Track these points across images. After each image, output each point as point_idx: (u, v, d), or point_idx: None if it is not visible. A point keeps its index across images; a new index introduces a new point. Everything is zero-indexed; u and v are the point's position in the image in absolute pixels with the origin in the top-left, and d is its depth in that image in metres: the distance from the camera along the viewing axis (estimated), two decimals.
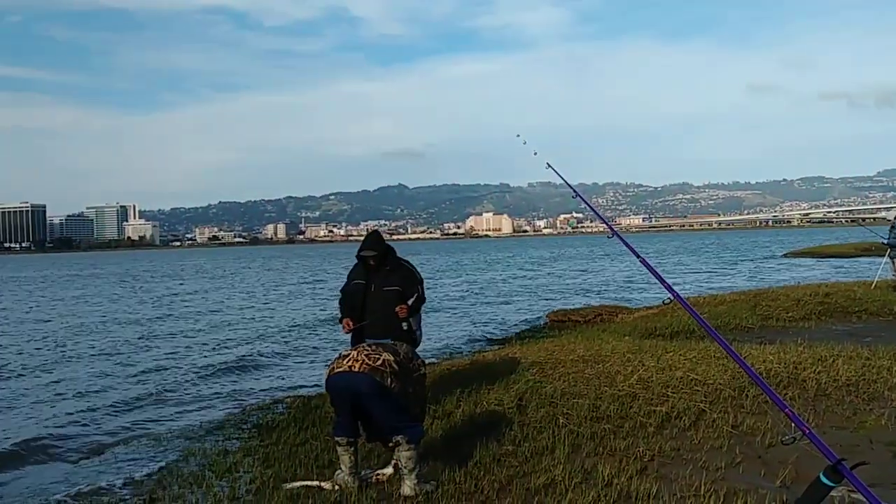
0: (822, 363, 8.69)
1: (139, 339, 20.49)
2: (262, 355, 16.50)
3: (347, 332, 7.41)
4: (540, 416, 7.29)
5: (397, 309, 7.23)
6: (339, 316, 7.53)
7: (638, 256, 4.76)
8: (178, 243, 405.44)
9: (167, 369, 14.99)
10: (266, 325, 22.85)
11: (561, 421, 7.11)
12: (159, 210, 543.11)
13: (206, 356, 16.64)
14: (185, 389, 12.78)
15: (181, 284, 50.37)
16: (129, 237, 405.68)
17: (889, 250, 17.29)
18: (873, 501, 2.75)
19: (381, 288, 7.32)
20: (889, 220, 17.65)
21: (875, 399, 7.51)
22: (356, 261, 7.56)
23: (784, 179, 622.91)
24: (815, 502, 2.99)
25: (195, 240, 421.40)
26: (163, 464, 7.76)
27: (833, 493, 3.12)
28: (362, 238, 7.69)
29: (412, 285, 7.43)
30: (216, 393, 12.33)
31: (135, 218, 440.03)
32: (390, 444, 5.74)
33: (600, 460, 6.04)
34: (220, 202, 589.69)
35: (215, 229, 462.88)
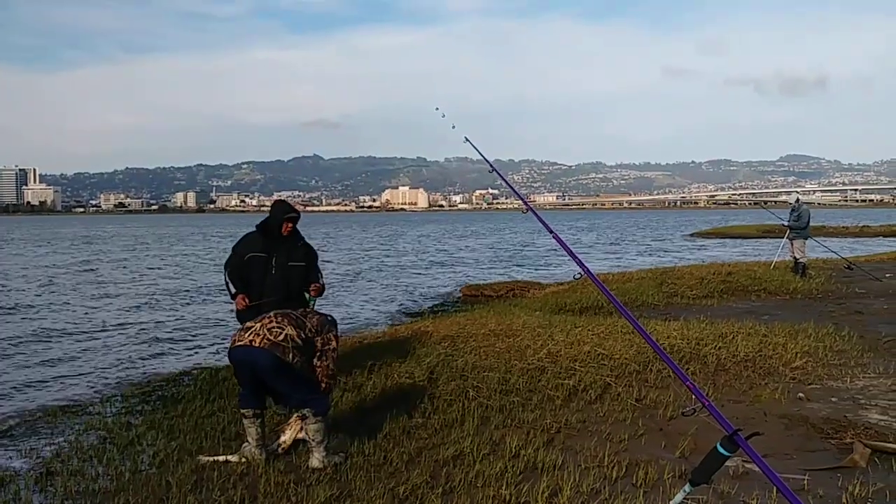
0: (723, 339, 9.01)
1: (42, 304, 19.74)
2: (169, 324, 16.11)
3: (242, 308, 6.97)
4: (450, 388, 7.33)
5: (311, 289, 7.10)
6: (232, 291, 7.08)
7: (551, 232, 4.80)
8: (81, 210, 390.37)
9: (68, 336, 14.48)
10: (175, 293, 22.32)
11: (471, 394, 7.18)
12: (62, 174, 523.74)
13: (112, 324, 16.13)
14: (85, 359, 12.35)
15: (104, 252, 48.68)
16: (28, 202, 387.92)
17: (788, 232, 18.02)
18: (765, 470, 2.86)
19: (286, 263, 7.04)
20: (790, 203, 18.39)
21: (770, 374, 7.84)
22: (253, 230, 7.22)
23: (693, 161, 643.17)
24: (711, 471, 3.11)
25: (100, 206, 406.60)
26: (61, 437, 7.48)
27: (728, 462, 3.24)
28: None
29: (313, 261, 7.28)
30: (119, 364, 11.94)
31: (35, 182, 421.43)
32: (297, 416, 5.68)
33: (508, 432, 6.12)
34: (126, 168, 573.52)
35: (122, 196, 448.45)
